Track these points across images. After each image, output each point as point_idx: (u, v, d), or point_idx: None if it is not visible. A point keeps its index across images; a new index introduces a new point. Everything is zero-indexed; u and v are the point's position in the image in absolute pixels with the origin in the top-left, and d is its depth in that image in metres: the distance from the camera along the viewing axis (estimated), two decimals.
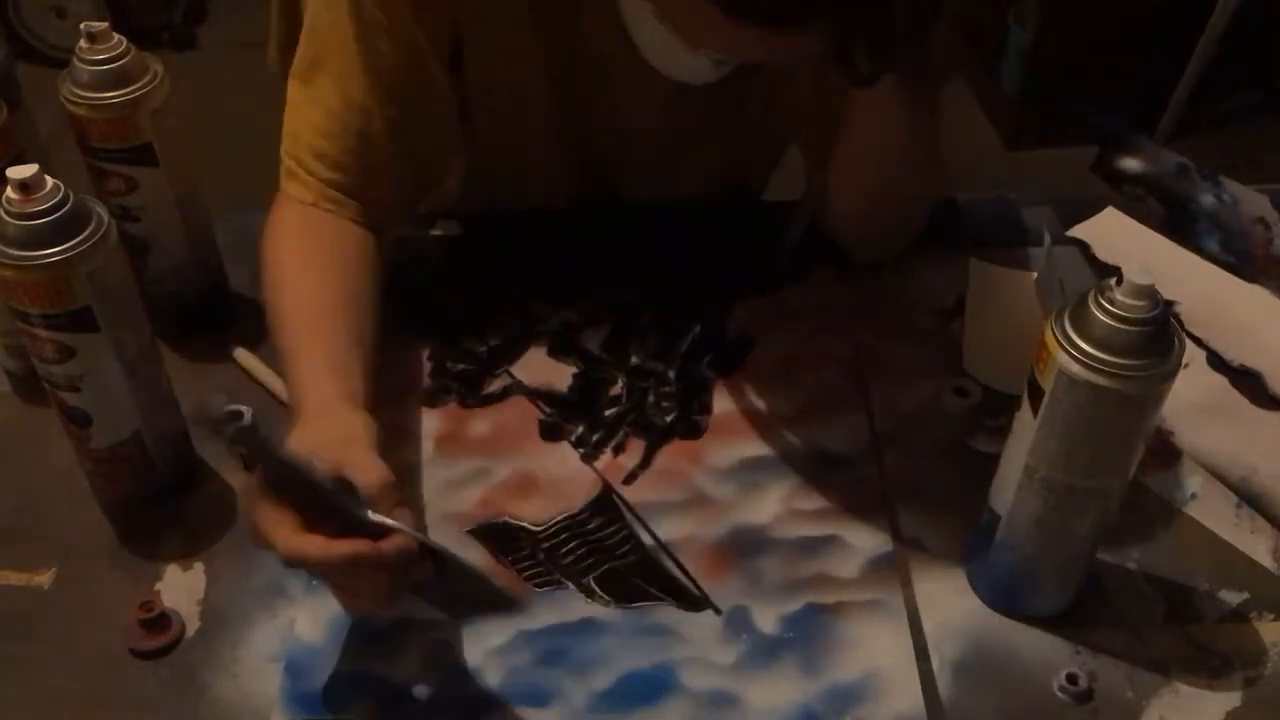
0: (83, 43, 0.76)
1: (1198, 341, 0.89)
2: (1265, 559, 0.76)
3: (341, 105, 0.80)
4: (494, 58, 0.87)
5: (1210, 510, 0.79)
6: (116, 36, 0.76)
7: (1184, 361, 0.61)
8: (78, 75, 0.76)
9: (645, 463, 0.81)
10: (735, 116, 0.95)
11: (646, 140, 0.96)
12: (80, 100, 0.76)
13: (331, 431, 0.66)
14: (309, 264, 0.79)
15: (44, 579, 0.74)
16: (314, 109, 0.81)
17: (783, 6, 0.60)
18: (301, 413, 0.69)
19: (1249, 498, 0.79)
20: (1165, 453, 0.82)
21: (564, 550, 0.75)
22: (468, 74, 0.87)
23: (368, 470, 0.63)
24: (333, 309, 0.76)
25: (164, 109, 0.78)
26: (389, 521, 0.61)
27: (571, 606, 0.73)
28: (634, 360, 0.88)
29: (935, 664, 0.70)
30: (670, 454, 0.82)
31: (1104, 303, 0.60)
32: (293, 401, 0.71)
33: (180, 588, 0.74)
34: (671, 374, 0.87)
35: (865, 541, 0.76)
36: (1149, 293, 0.59)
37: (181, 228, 0.83)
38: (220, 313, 0.90)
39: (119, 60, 0.76)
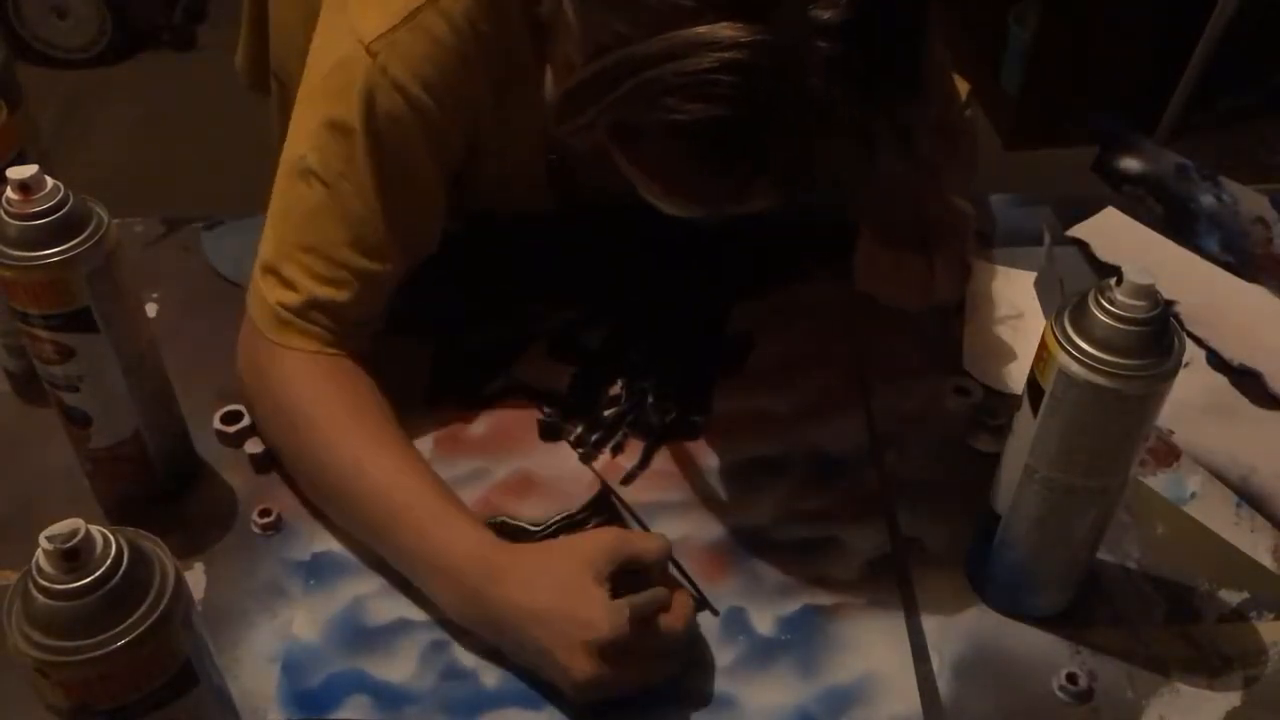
0: (11, 193, 0.64)
1: (1198, 341, 0.89)
2: (1265, 559, 0.76)
3: (352, 254, 0.76)
4: (503, 171, 0.85)
5: (1210, 510, 0.79)
6: (52, 183, 0.64)
7: (1184, 361, 0.61)
8: (5, 230, 0.65)
9: (644, 463, 0.81)
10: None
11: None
12: (7, 261, 0.65)
13: (558, 556, 0.69)
14: (376, 437, 0.75)
15: None
16: (315, 259, 0.76)
17: (715, 190, 0.62)
18: (502, 572, 0.68)
19: (1249, 498, 0.79)
20: (1165, 453, 0.82)
21: None
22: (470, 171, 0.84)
23: (648, 542, 0.70)
24: (423, 467, 0.74)
25: (106, 264, 0.67)
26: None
27: None
28: (633, 360, 0.88)
29: (935, 664, 0.70)
30: (669, 454, 0.82)
31: (1104, 303, 0.60)
32: (470, 563, 0.69)
33: None
34: (671, 374, 0.87)
35: (863, 543, 0.76)
36: (1149, 293, 0.59)
37: (129, 399, 0.73)
38: (181, 486, 0.79)
39: (55, 213, 0.64)
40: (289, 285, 0.77)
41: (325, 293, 0.76)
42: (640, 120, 0.59)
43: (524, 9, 0.73)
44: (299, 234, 0.77)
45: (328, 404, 0.76)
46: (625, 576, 0.67)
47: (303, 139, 0.76)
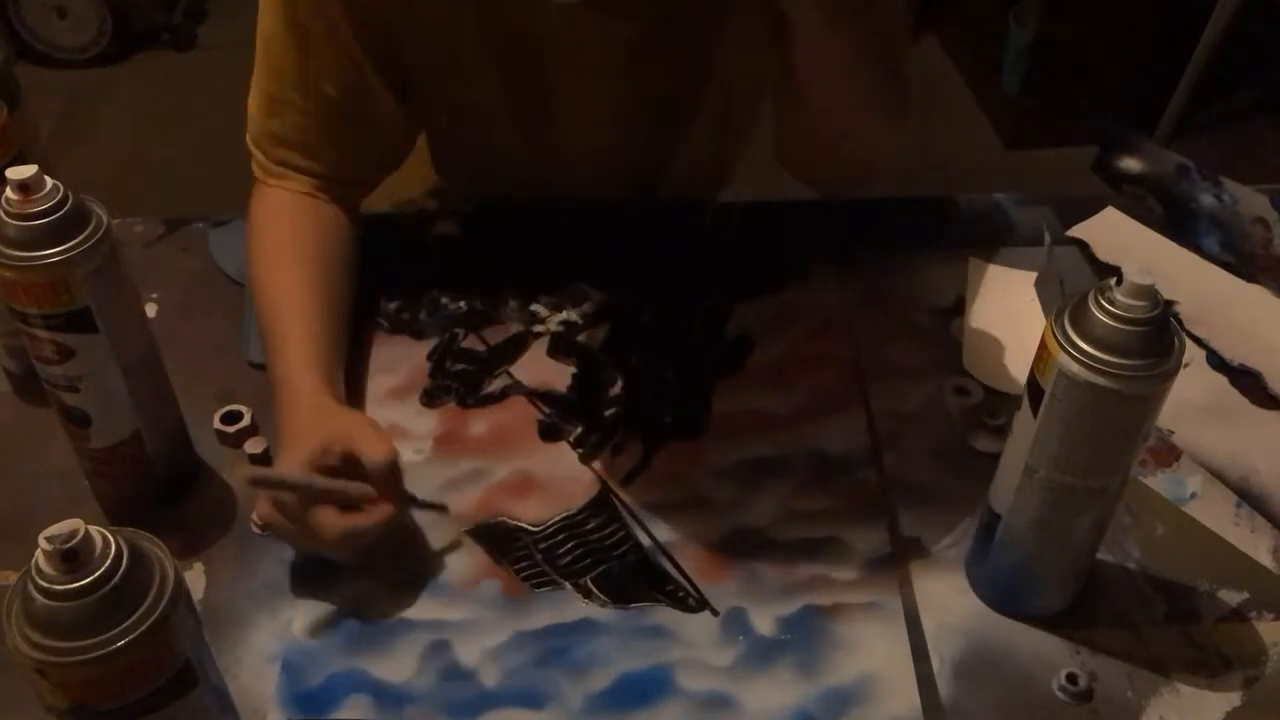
0: (11, 193, 0.64)
1: (1198, 341, 0.89)
2: (1265, 559, 0.76)
3: (279, 88, 0.86)
4: (437, 49, 0.89)
5: (1210, 510, 0.79)
6: (52, 183, 0.65)
7: (1184, 361, 0.61)
8: (5, 231, 0.65)
9: (644, 463, 0.81)
10: (697, 92, 0.95)
11: (601, 121, 0.95)
12: (7, 261, 0.65)
13: (336, 420, 0.74)
14: (293, 257, 0.85)
15: None
16: (259, 95, 0.87)
17: None
18: (296, 405, 0.75)
19: (1249, 498, 0.79)
20: (1165, 453, 0.82)
21: (561, 550, 0.76)
22: (416, 74, 0.90)
23: (373, 450, 0.71)
24: (317, 306, 0.82)
25: (106, 264, 0.67)
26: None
27: (569, 607, 0.73)
28: (634, 360, 0.88)
29: (935, 664, 0.70)
30: (669, 455, 0.82)
31: (1104, 303, 0.60)
32: (285, 389, 0.77)
33: None
34: (671, 374, 0.87)
35: (863, 543, 0.76)
36: (1149, 293, 0.59)
37: (129, 399, 0.73)
38: (181, 486, 0.79)
39: (55, 213, 0.65)
40: (249, 118, 0.88)
41: (264, 122, 0.88)
42: None
43: None
44: (259, 74, 0.87)
45: (272, 236, 0.86)
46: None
47: None
